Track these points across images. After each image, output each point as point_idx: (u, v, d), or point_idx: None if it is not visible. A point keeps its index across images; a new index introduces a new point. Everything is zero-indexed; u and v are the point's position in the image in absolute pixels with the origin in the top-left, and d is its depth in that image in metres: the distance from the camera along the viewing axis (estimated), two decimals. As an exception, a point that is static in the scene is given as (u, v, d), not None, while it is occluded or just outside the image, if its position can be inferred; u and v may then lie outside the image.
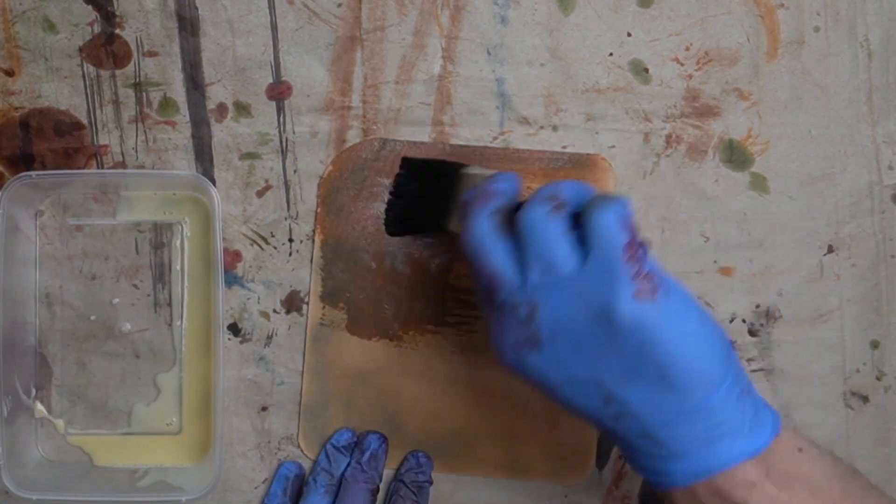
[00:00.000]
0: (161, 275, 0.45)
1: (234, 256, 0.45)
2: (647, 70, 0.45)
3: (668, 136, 0.45)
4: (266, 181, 0.45)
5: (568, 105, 0.45)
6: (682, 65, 0.45)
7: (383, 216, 0.44)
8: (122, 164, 0.45)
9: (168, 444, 0.46)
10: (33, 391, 0.45)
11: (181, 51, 0.45)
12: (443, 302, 0.45)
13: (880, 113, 0.45)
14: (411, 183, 0.42)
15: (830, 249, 0.45)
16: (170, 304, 0.45)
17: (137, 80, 0.45)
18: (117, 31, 0.45)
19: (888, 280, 0.46)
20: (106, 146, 0.45)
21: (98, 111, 0.45)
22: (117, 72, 0.45)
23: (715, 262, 0.45)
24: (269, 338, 0.46)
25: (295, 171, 0.45)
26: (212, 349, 0.45)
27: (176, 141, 0.45)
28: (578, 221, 0.34)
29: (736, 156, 0.45)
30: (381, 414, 0.45)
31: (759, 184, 0.45)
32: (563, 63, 0.45)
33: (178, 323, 0.45)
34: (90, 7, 0.44)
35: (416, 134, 0.45)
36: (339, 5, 0.45)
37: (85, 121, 0.45)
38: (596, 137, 0.45)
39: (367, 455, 0.44)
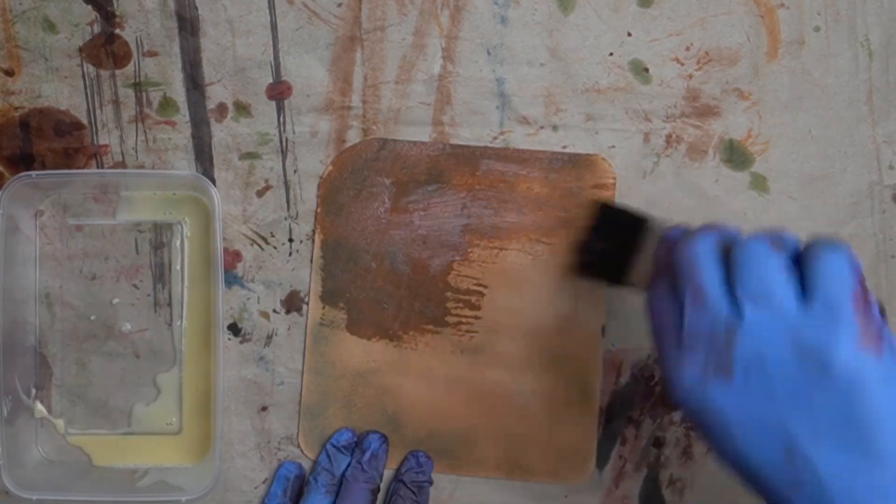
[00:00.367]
0: (161, 275, 0.45)
1: (234, 256, 0.45)
2: (647, 70, 0.45)
3: (668, 136, 0.45)
4: (266, 181, 0.45)
5: (568, 105, 0.45)
6: (683, 65, 0.45)
7: (580, 258, 0.44)
8: (122, 164, 0.45)
9: (168, 444, 0.46)
10: (33, 391, 0.45)
11: (181, 51, 0.45)
12: (443, 302, 0.45)
13: (880, 113, 0.45)
14: (608, 231, 0.42)
15: (830, 249, 0.45)
16: (170, 304, 0.45)
17: (137, 80, 0.45)
18: (117, 31, 0.45)
19: (888, 280, 0.46)
20: (106, 146, 0.45)
21: (98, 111, 0.45)
22: (117, 72, 0.45)
23: (715, 262, 0.45)
24: (269, 338, 0.46)
25: (295, 171, 0.45)
26: (211, 349, 0.45)
27: (176, 141, 0.45)
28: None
29: (736, 156, 0.45)
30: (381, 414, 0.45)
31: (759, 184, 0.45)
32: (563, 63, 0.45)
33: (178, 323, 0.45)
34: (90, 7, 0.44)
35: (416, 134, 0.45)
36: (339, 5, 0.45)
37: (85, 121, 0.45)
38: (596, 137, 0.45)
39: (367, 455, 0.44)
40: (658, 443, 0.46)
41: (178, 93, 0.45)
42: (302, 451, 0.45)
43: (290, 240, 0.45)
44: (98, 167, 0.45)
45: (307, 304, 0.45)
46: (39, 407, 0.46)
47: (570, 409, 0.45)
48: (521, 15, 0.45)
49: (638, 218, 0.41)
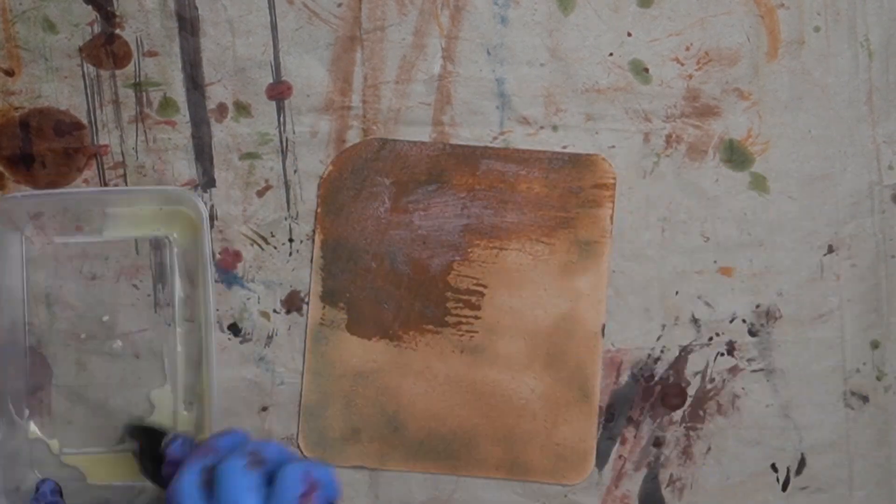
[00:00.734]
0: (161, 275, 0.45)
1: (234, 256, 0.45)
2: (647, 70, 0.45)
3: (668, 136, 0.45)
4: (266, 181, 0.45)
5: (568, 105, 0.45)
6: (682, 65, 0.45)
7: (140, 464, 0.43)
8: (123, 164, 0.45)
9: None
10: (26, 412, 0.45)
11: (181, 51, 0.45)
12: (443, 302, 0.45)
13: (880, 113, 0.45)
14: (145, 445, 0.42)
15: (830, 249, 0.45)
16: (170, 305, 0.45)
17: (137, 80, 0.45)
18: (117, 31, 0.45)
19: (888, 280, 0.46)
20: (106, 146, 0.45)
21: (98, 111, 0.45)
22: (117, 72, 0.45)
23: (715, 262, 0.45)
24: (269, 338, 0.46)
25: (295, 171, 0.45)
26: (204, 363, 0.44)
27: (176, 141, 0.45)
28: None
29: (736, 156, 0.45)
30: (381, 414, 0.45)
31: (759, 184, 0.45)
32: (563, 63, 0.45)
33: (176, 329, 0.45)
34: (90, 7, 0.44)
35: (416, 134, 0.45)
36: (339, 5, 0.45)
37: (85, 121, 0.45)
38: (596, 137, 0.45)
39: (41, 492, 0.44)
40: (658, 443, 0.46)
41: (179, 93, 0.45)
42: (301, 451, 0.45)
43: (291, 240, 0.45)
44: (98, 167, 0.45)
45: (307, 304, 0.45)
46: (33, 428, 0.45)
47: (570, 409, 0.45)
48: (521, 15, 0.45)
49: (155, 431, 0.42)
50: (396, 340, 0.45)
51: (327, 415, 0.45)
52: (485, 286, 0.45)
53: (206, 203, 0.45)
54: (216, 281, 0.45)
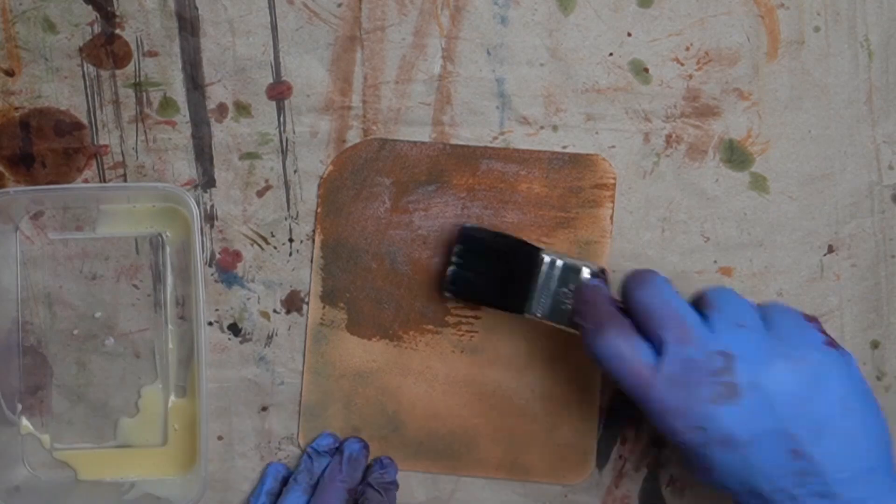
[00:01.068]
0: (161, 274, 0.45)
1: (234, 256, 0.45)
2: (647, 70, 0.45)
3: (668, 136, 0.45)
4: (266, 181, 0.45)
5: (568, 105, 0.45)
6: (682, 65, 0.45)
7: (446, 277, 0.43)
8: (122, 164, 0.45)
9: (155, 457, 0.45)
10: (19, 407, 0.45)
11: (181, 51, 0.45)
12: (443, 302, 0.45)
13: (880, 113, 0.45)
14: (476, 257, 0.42)
15: (830, 249, 0.45)
16: (173, 305, 0.45)
17: (137, 80, 0.45)
18: (117, 31, 0.45)
19: (888, 280, 0.46)
20: (106, 146, 0.45)
21: (98, 111, 0.45)
22: (117, 72, 0.45)
23: (715, 262, 0.45)
24: (269, 338, 0.46)
25: (295, 171, 0.45)
26: (195, 361, 0.44)
27: (176, 141, 0.45)
28: None
29: (736, 156, 0.45)
30: (381, 414, 0.45)
31: (759, 184, 0.45)
32: (563, 63, 0.45)
33: (171, 327, 0.45)
34: (90, 7, 0.45)
35: (416, 134, 0.45)
36: (339, 5, 0.45)
37: (85, 121, 0.45)
38: (596, 137, 0.45)
39: (345, 457, 0.44)
40: (658, 443, 0.46)
41: (179, 93, 0.45)
42: (302, 451, 0.45)
43: (291, 240, 0.45)
44: (98, 167, 0.45)
45: (307, 304, 0.45)
46: (25, 423, 0.45)
47: (570, 409, 0.45)
48: (521, 15, 0.45)
49: (506, 239, 0.42)
50: (396, 340, 0.45)
51: (327, 415, 0.45)
52: (485, 286, 0.45)
53: (206, 203, 0.45)
54: (216, 281, 0.45)
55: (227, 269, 0.45)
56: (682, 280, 0.45)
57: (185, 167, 0.45)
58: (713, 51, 0.45)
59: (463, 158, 0.45)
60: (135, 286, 0.46)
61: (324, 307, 0.45)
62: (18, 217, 0.45)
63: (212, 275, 0.45)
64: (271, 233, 0.45)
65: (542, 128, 0.45)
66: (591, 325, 0.38)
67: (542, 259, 0.41)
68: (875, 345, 0.46)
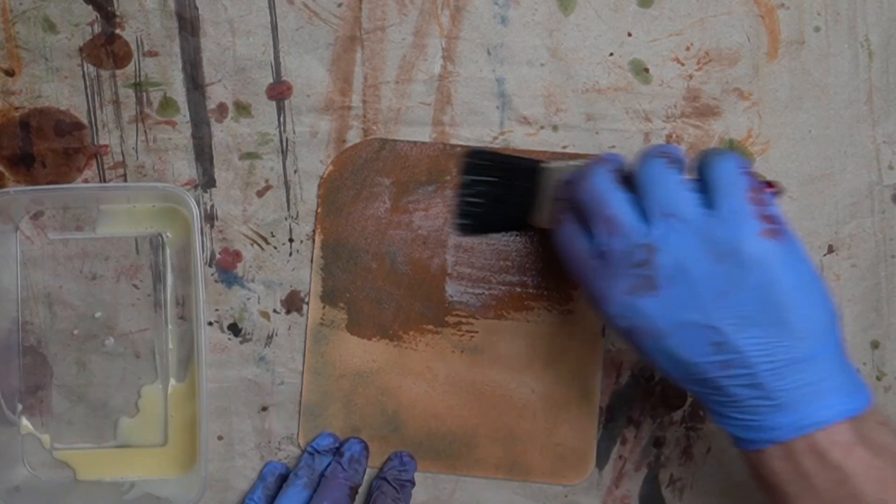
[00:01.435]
0: (161, 274, 0.45)
1: (234, 256, 0.45)
2: (647, 70, 0.45)
3: (669, 136, 0.45)
4: (266, 181, 0.45)
5: (568, 105, 0.45)
6: (683, 65, 0.45)
7: (456, 215, 0.44)
8: (123, 164, 0.45)
9: (155, 457, 0.45)
10: (19, 407, 0.45)
11: (181, 51, 0.45)
12: (443, 302, 0.45)
13: (880, 113, 0.45)
14: (481, 181, 0.43)
15: (830, 249, 0.45)
16: (174, 304, 0.45)
17: (137, 80, 0.45)
18: (117, 31, 0.45)
19: (888, 280, 0.46)
20: (106, 146, 0.45)
21: (98, 111, 0.45)
22: (117, 72, 0.45)
23: (715, 262, 0.45)
24: (270, 338, 0.46)
25: (295, 171, 0.45)
26: (195, 361, 0.44)
27: (176, 141, 0.45)
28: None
29: (736, 156, 0.45)
30: (381, 414, 0.45)
31: (759, 184, 0.45)
32: (563, 63, 0.45)
33: (170, 327, 0.45)
34: (90, 7, 0.45)
35: (417, 134, 0.45)
36: (340, 5, 0.45)
37: (85, 121, 0.45)
38: (596, 137, 0.45)
39: (346, 457, 0.44)
40: (658, 443, 0.46)
41: (179, 93, 0.45)
42: (302, 451, 0.45)
43: (291, 240, 0.45)
44: (98, 167, 0.45)
45: (307, 304, 0.45)
46: (25, 423, 0.45)
47: (570, 409, 0.45)
48: (521, 15, 0.45)
49: (509, 159, 0.43)
50: (396, 340, 0.45)
51: (327, 415, 0.45)
52: (485, 286, 0.45)
53: (206, 203, 0.45)
54: (216, 281, 0.45)
55: (227, 269, 0.45)
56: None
57: (185, 167, 0.45)
58: (713, 51, 0.45)
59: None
60: (135, 286, 0.46)
61: (324, 307, 0.45)
62: (18, 217, 0.45)
63: (212, 275, 0.45)
64: (271, 233, 0.45)
65: (542, 128, 0.45)
66: (556, 220, 0.39)
67: (542, 170, 0.42)
68: (875, 345, 0.46)
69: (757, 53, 0.45)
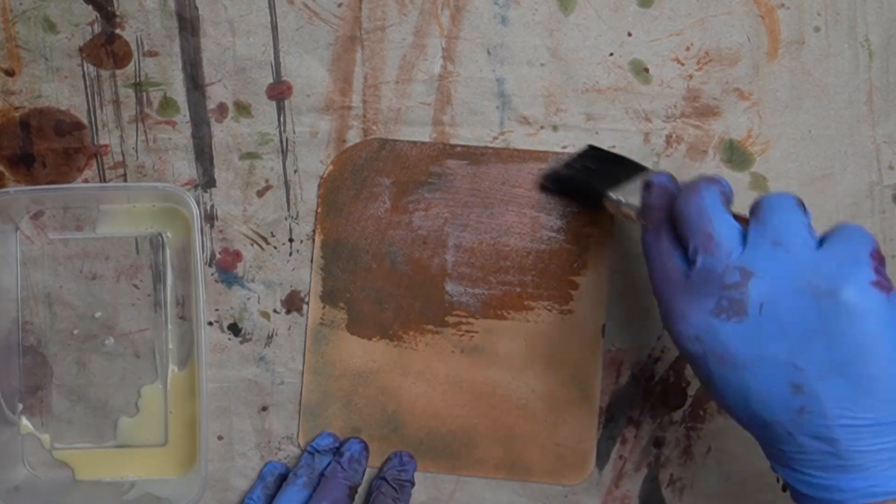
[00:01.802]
0: (161, 274, 0.45)
1: (234, 256, 0.45)
2: (647, 70, 0.45)
3: (669, 136, 0.45)
4: (266, 181, 0.45)
5: (568, 105, 0.45)
6: (683, 65, 0.45)
7: (546, 172, 0.45)
8: (123, 164, 0.45)
9: (155, 457, 0.45)
10: (19, 407, 0.45)
11: (181, 51, 0.45)
12: (443, 302, 0.45)
13: (880, 113, 0.45)
14: (588, 161, 0.44)
15: (830, 249, 0.45)
16: (172, 305, 0.45)
17: (137, 80, 0.45)
18: (117, 31, 0.45)
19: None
20: (106, 146, 0.45)
21: (98, 111, 0.45)
22: (117, 72, 0.45)
23: (715, 262, 0.45)
24: (269, 338, 0.46)
25: (295, 171, 0.45)
26: (195, 361, 0.44)
27: (176, 141, 0.45)
28: None
29: (736, 156, 0.45)
30: (381, 414, 0.45)
31: (759, 184, 0.45)
32: (563, 63, 0.45)
33: (170, 327, 0.45)
34: (90, 7, 0.45)
35: (417, 134, 0.45)
36: (340, 5, 0.45)
37: (85, 121, 0.45)
38: (596, 137, 0.45)
39: (346, 457, 0.44)
40: (658, 443, 0.46)
41: (179, 93, 0.45)
42: (302, 451, 0.45)
43: (291, 240, 0.45)
44: (98, 167, 0.45)
45: (307, 304, 0.45)
46: (25, 423, 0.45)
47: (570, 409, 0.45)
48: (521, 15, 0.45)
49: (624, 160, 0.43)
50: (396, 340, 0.45)
51: (327, 414, 0.45)
52: (485, 286, 0.45)
53: (206, 203, 0.45)
54: (216, 281, 0.45)
55: (227, 268, 0.45)
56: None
57: (186, 167, 0.45)
58: (713, 51, 0.45)
59: (465, 158, 0.45)
60: (135, 286, 0.46)
61: (324, 307, 0.45)
62: (18, 217, 0.45)
63: (212, 275, 0.45)
64: (271, 233, 0.45)
65: (542, 128, 0.45)
66: (645, 224, 0.38)
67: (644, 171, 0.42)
68: (875, 345, 0.46)
69: (757, 53, 0.45)
